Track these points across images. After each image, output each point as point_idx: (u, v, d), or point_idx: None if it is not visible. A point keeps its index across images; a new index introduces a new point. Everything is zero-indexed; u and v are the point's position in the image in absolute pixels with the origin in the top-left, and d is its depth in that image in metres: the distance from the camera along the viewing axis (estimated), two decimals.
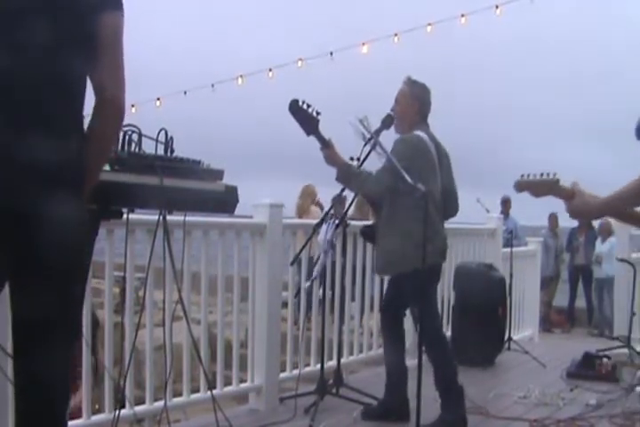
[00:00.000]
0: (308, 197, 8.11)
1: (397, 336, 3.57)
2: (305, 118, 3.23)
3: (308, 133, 3.27)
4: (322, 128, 3.27)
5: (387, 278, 4.70)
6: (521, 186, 2.36)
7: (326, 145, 3.30)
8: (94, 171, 1.84)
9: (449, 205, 3.57)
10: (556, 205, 2.40)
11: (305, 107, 3.20)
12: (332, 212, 3.74)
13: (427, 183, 3.24)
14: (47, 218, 1.62)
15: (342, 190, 3.60)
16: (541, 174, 2.32)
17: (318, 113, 3.23)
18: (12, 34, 1.63)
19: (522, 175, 2.34)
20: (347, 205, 4.11)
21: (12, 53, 1.62)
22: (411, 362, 3.71)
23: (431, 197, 3.25)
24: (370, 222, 3.86)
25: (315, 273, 3.58)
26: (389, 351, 3.58)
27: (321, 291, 4.13)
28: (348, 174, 3.33)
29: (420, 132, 3.38)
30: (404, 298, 3.44)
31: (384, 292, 4.76)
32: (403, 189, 3.12)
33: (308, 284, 3.77)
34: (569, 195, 2.25)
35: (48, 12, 1.67)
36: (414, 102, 3.45)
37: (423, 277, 3.06)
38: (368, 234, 3.70)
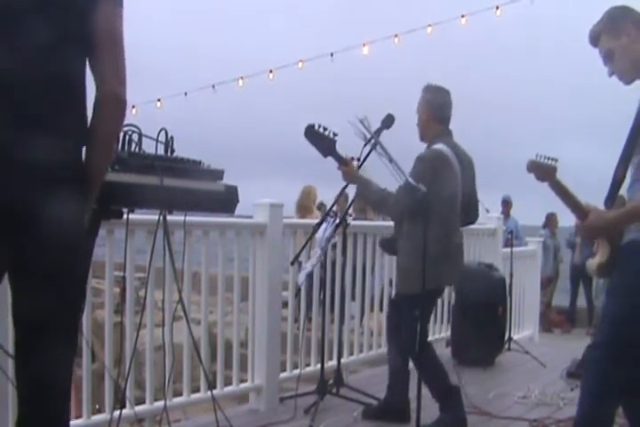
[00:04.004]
0: (308, 196, 8.12)
1: (400, 341, 3.56)
2: (322, 142, 3.23)
3: (326, 155, 3.27)
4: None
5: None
6: (530, 166, 2.35)
7: (344, 163, 3.30)
8: (99, 169, 1.83)
9: (469, 212, 3.58)
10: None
11: (321, 130, 3.20)
12: (334, 209, 3.74)
13: (450, 201, 3.28)
14: (45, 218, 1.62)
15: (344, 188, 3.60)
16: (547, 158, 2.33)
17: (335, 134, 3.22)
18: (10, 33, 1.63)
19: (536, 155, 2.34)
20: (348, 204, 4.11)
21: (12, 53, 1.62)
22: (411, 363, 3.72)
23: (451, 214, 3.31)
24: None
25: (309, 267, 3.56)
26: (393, 354, 3.58)
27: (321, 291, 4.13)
28: (367, 192, 3.34)
29: (440, 145, 3.35)
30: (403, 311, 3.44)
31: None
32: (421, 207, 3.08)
33: (303, 280, 3.73)
34: (573, 201, 2.24)
35: (50, 13, 1.67)
36: (427, 109, 3.44)
37: (423, 299, 3.01)
38: (386, 246, 3.71)
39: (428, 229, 2.89)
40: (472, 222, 3.74)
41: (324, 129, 3.21)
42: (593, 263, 2.41)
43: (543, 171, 2.34)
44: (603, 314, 2.39)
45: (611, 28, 2.30)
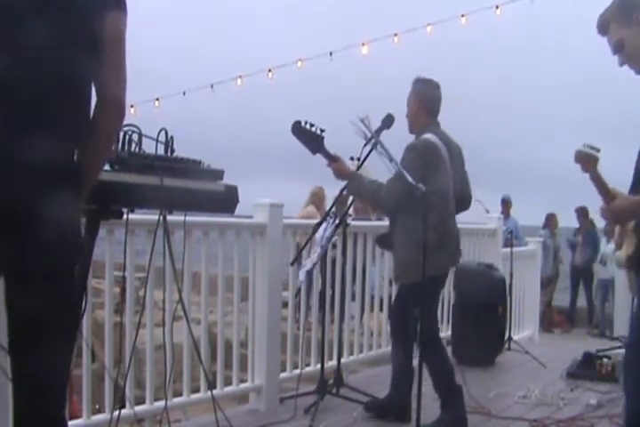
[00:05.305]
0: (313, 197, 8.13)
1: (405, 339, 3.56)
2: (309, 138, 3.22)
3: (314, 152, 3.26)
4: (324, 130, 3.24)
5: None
6: (578, 157, 2.30)
7: (333, 160, 3.29)
8: (94, 170, 1.84)
9: (461, 200, 3.58)
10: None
11: (308, 127, 3.18)
12: (332, 210, 3.73)
13: (443, 188, 3.28)
14: (45, 218, 1.62)
15: (343, 189, 3.60)
16: (591, 148, 2.28)
17: (322, 130, 3.21)
18: (13, 34, 1.63)
19: (583, 144, 2.28)
20: (348, 204, 4.11)
21: (13, 54, 1.62)
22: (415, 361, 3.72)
23: (445, 201, 3.30)
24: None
25: (309, 265, 3.56)
26: (397, 353, 3.58)
27: (321, 291, 4.12)
28: (359, 187, 3.34)
29: (429, 135, 3.35)
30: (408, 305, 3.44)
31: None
32: (415, 198, 3.08)
33: (303, 278, 3.72)
34: (606, 189, 2.20)
35: (50, 13, 1.68)
36: (416, 101, 3.44)
37: (426, 287, 3.02)
38: (382, 242, 3.70)
39: (425, 220, 2.90)
40: (465, 209, 3.73)
41: (311, 125, 3.19)
42: (622, 255, 2.36)
43: (589, 161, 2.29)
44: (633, 313, 2.34)
45: (621, 16, 2.21)
